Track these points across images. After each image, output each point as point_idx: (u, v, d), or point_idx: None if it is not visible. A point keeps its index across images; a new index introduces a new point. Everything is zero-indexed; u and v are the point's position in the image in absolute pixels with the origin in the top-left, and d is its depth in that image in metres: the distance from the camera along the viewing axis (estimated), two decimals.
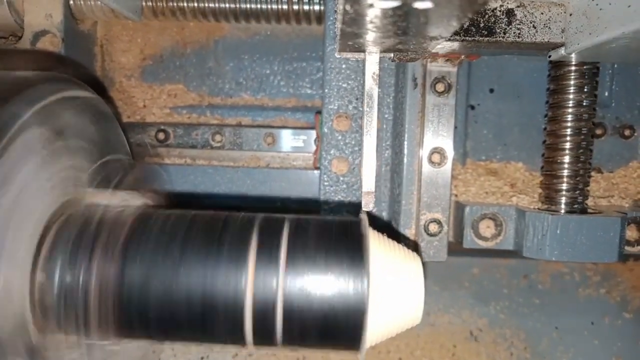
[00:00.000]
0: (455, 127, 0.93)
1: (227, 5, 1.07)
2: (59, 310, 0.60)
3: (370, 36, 0.64)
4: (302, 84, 1.18)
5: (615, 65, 1.03)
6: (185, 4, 1.07)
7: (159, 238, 0.62)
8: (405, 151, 0.92)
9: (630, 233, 0.93)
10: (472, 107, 1.03)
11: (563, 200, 0.87)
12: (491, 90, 1.03)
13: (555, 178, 0.87)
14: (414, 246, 0.93)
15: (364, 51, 0.79)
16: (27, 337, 0.59)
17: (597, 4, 0.69)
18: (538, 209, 0.92)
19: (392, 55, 0.83)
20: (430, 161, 0.91)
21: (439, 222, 0.92)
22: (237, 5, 1.07)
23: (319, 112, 1.01)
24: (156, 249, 0.61)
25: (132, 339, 0.63)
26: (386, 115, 0.96)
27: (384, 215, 0.98)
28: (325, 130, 0.95)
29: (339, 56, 0.92)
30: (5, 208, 0.56)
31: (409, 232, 0.94)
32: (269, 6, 1.07)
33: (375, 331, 0.60)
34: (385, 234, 0.66)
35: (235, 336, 0.60)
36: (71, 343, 0.62)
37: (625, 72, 1.03)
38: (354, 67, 0.94)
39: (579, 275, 1.18)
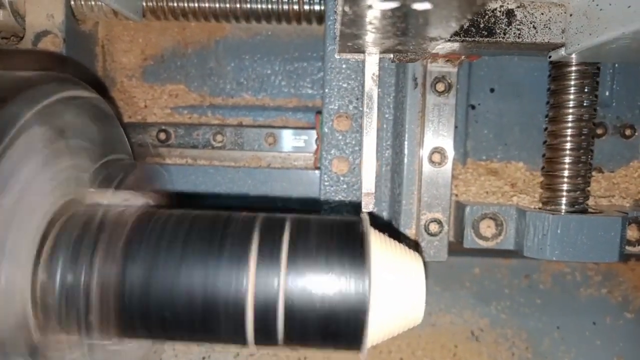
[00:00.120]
0: (456, 127, 0.93)
1: (228, 5, 1.07)
2: (61, 309, 0.60)
3: (370, 37, 0.64)
4: (303, 84, 1.18)
5: (616, 65, 1.03)
6: (186, 4, 1.07)
7: (160, 238, 0.62)
8: (406, 151, 0.92)
9: (631, 233, 0.93)
10: (473, 107, 1.03)
11: (564, 200, 0.87)
12: (492, 90, 1.03)
13: (556, 178, 0.87)
14: (414, 246, 0.93)
15: (363, 52, 0.79)
16: (28, 337, 0.59)
17: (597, 5, 0.69)
18: (539, 208, 0.92)
19: (392, 56, 0.83)
20: (431, 161, 0.91)
21: (439, 222, 0.92)
22: (238, 6, 1.07)
23: (319, 112, 1.01)
24: (157, 249, 0.61)
25: (133, 339, 0.64)
26: (386, 115, 0.96)
27: (385, 215, 0.98)
28: (326, 130, 0.95)
29: (338, 57, 0.92)
30: (7, 208, 0.56)
31: (410, 232, 0.94)
32: (270, 6, 1.07)
33: (376, 330, 0.60)
34: (386, 233, 0.66)
35: (236, 336, 0.61)
36: (72, 342, 0.62)
37: (626, 72, 1.03)
38: (355, 67, 0.94)
39: (580, 275, 1.18)
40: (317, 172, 1.08)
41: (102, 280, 0.59)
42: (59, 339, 0.62)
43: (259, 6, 1.07)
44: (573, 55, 0.78)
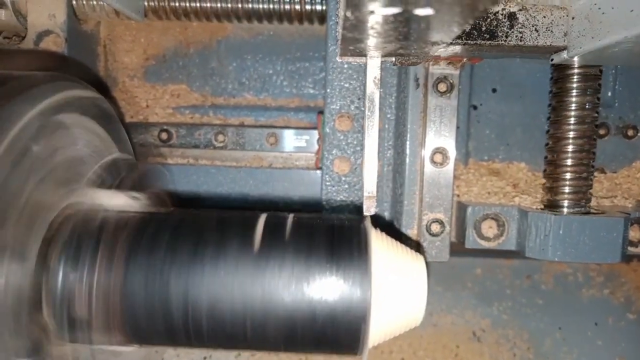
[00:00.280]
0: (458, 127, 0.93)
1: (230, 5, 1.07)
2: (62, 310, 0.60)
3: (372, 41, 0.64)
4: (304, 84, 1.18)
5: (619, 66, 1.03)
6: (188, 4, 1.07)
7: (162, 238, 0.62)
8: (408, 151, 0.92)
9: (634, 233, 0.93)
10: (475, 107, 1.03)
11: (566, 200, 0.87)
12: (494, 90, 1.03)
13: (558, 181, 0.87)
14: (416, 246, 0.92)
15: (365, 56, 0.79)
16: (30, 337, 0.59)
17: (599, 8, 0.69)
18: (540, 209, 0.91)
19: (393, 59, 0.83)
20: (433, 161, 0.91)
21: (441, 222, 0.91)
22: (240, 5, 1.07)
23: (321, 112, 1.01)
24: (159, 250, 0.61)
25: (136, 342, 0.63)
26: (388, 115, 0.96)
27: (386, 215, 0.98)
28: (327, 130, 0.95)
29: (340, 60, 0.92)
30: (8, 208, 0.56)
31: (411, 233, 0.94)
32: (272, 6, 1.07)
33: (377, 331, 0.60)
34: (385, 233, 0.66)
35: (236, 341, 0.60)
36: (74, 343, 0.62)
37: (629, 73, 1.03)
38: (356, 68, 0.94)
39: (582, 275, 1.17)
40: (318, 172, 1.08)
41: (104, 281, 0.59)
42: (60, 339, 0.62)
43: (261, 6, 1.07)
44: (575, 59, 0.78)
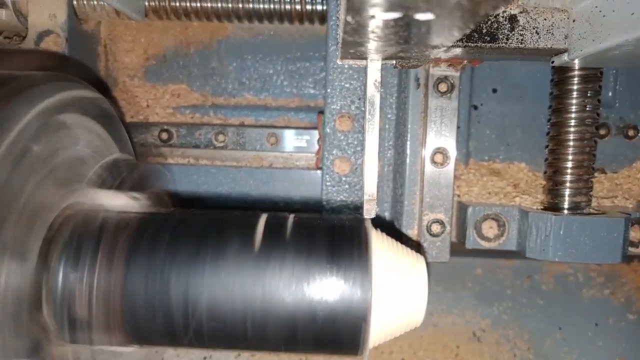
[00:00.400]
0: (458, 127, 0.93)
1: (231, 5, 1.07)
2: (62, 310, 0.60)
3: (372, 45, 0.64)
4: (305, 84, 1.18)
5: None
6: (188, 4, 1.07)
7: (163, 238, 0.62)
8: (408, 151, 0.92)
9: (634, 234, 0.92)
10: (475, 107, 1.03)
11: (566, 200, 0.87)
12: (494, 90, 1.03)
13: (559, 182, 0.87)
14: (416, 247, 0.92)
15: (366, 58, 0.79)
16: (30, 337, 0.59)
17: (600, 11, 0.69)
18: (541, 209, 0.91)
19: (394, 62, 0.83)
20: (433, 161, 0.91)
21: (441, 223, 0.91)
22: (241, 5, 1.07)
23: (321, 112, 1.01)
24: (160, 250, 0.61)
25: (136, 343, 0.63)
26: (389, 116, 0.96)
27: (387, 215, 0.98)
28: (328, 130, 0.95)
29: (340, 63, 0.92)
30: (9, 208, 0.56)
31: (412, 233, 0.93)
32: (272, 6, 1.07)
33: (378, 331, 0.60)
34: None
35: (237, 341, 0.60)
36: (74, 344, 0.62)
37: (629, 73, 1.02)
38: (357, 68, 0.94)
39: (582, 276, 1.17)
40: (319, 172, 1.08)
41: (105, 281, 0.59)
42: (60, 340, 0.62)
43: (261, 6, 1.07)
44: (576, 61, 0.77)
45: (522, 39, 0.76)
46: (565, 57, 0.77)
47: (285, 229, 0.63)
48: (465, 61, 0.87)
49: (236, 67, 1.18)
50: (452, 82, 0.90)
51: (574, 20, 0.75)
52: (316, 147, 1.12)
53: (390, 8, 0.45)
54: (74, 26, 1.03)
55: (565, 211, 0.87)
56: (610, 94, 1.03)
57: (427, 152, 0.91)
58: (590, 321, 1.17)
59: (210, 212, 0.67)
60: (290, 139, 1.14)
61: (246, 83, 1.18)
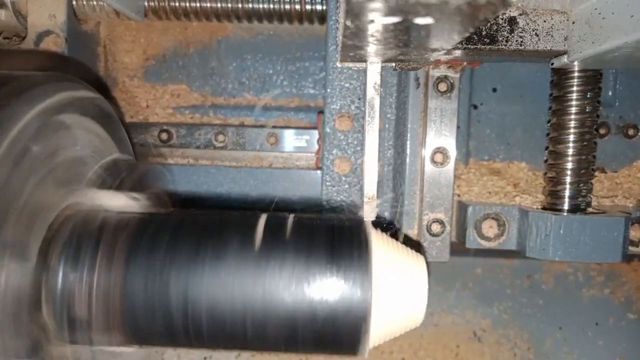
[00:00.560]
0: (458, 127, 0.93)
1: (230, 5, 1.07)
2: (62, 310, 0.60)
3: (372, 48, 0.64)
4: (304, 83, 1.18)
5: None
6: (188, 4, 1.07)
7: (162, 238, 0.62)
8: (408, 151, 0.92)
9: (634, 233, 0.92)
10: (475, 107, 1.03)
11: (566, 200, 0.87)
12: (494, 90, 1.03)
13: (558, 184, 0.87)
14: (416, 246, 0.92)
15: (365, 61, 0.79)
16: (30, 337, 0.59)
17: (599, 13, 0.69)
18: (541, 208, 0.91)
19: (393, 64, 0.83)
20: (433, 161, 0.91)
21: (441, 222, 0.91)
22: (240, 5, 1.07)
23: (321, 112, 1.01)
24: (160, 250, 0.61)
25: (136, 343, 0.63)
26: (389, 115, 0.96)
27: (387, 215, 0.98)
28: (328, 130, 0.95)
29: (340, 65, 0.92)
30: (9, 208, 0.56)
31: (412, 233, 0.93)
32: (272, 6, 1.07)
33: (378, 331, 0.60)
34: (388, 233, 0.66)
35: (235, 341, 0.60)
36: (74, 344, 0.62)
37: (629, 72, 1.02)
38: (356, 69, 0.94)
39: (582, 275, 1.17)
40: (318, 172, 1.08)
41: (104, 281, 0.59)
42: (60, 340, 0.62)
43: (261, 6, 1.07)
44: (575, 63, 0.77)
45: (521, 41, 0.76)
46: (564, 59, 0.77)
47: (285, 229, 0.63)
48: (464, 63, 0.87)
49: (236, 67, 1.18)
50: (451, 81, 0.90)
51: (573, 23, 0.75)
52: (316, 147, 1.12)
53: (389, 13, 0.45)
54: (74, 26, 1.03)
55: (566, 206, 0.87)
56: (610, 93, 1.03)
57: (427, 152, 0.91)
58: (591, 321, 1.17)
59: (210, 212, 0.67)
60: (290, 139, 1.14)
61: (246, 83, 1.18)
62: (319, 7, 1.06)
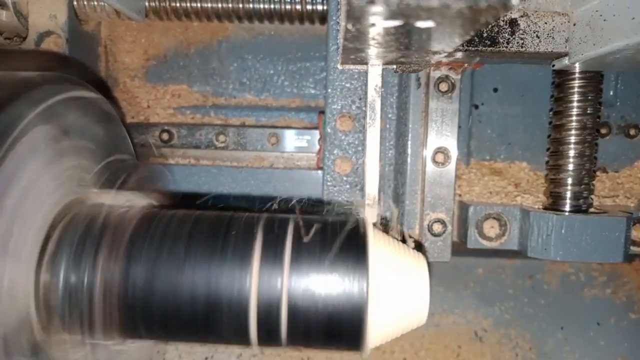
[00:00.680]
0: (459, 127, 0.93)
1: (231, 5, 1.07)
2: (64, 309, 0.60)
3: (373, 51, 0.64)
4: (305, 84, 1.18)
5: None
6: (189, 4, 1.07)
7: (163, 238, 0.62)
8: (409, 151, 0.92)
9: (636, 233, 0.92)
10: (476, 107, 1.03)
11: (568, 200, 0.87)
12: (495, 90, 1.03)
13: (560, 185, 0.87)
14: (418, 246, 0.92)
15: (366, 64, 0.79)
16: (31, 336, 0.59)
17: (600, 15, 0.69)
18: (543, 208, 0.91)
19: (394, 66, 0.83)
20: (434, 161, 0.91)
21: (442, 222, 0.91)
22: (241, 6, 1.07)
23: (322, 112, 1.01)
24: (160, 249, 0.61)
25: (136, 339, 0.63)
26: (390, 115, 0.96)
27: (387, 215, 0.98)
28: (329, 130, 0.95)
29: (341, 68, 0.92)
30: (10, 208, 0.56)
31: (413, 233, 0.93)
32: (273, 6, 1.07)
33: (379, 331, 0.60)
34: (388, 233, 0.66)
35: (239, 336, 0.60)
36: (75, 342, 0.62)
37: (631, 72, 1.02)
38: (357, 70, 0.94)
39: (584, 275, 1.17)
40: (319, 172, 1.08)
41: (105, 280, 0.59)
42: (61, 338, 0.62)
43: (262, 6, 1.07)
44: (576, 65, 0.77)
45: (522, 43, 0.76)
46: (566, 61, 0.77)
47: (287, 229, 0.63)
48: (465, 64, 0.87)
49: (237, 67, 1.18)
50: (452, 81, 0.89)
51: (574, 24, 0.75)
52: (317, 147, 1.12)
53: (390, 16, 0.45)
54: (75, 27, 1.03)
55: (567, 206, 0.87)
56: (611, 93, 1.03)
57: (428, 152, 0.91)
58: (592, 321, 1.17)
59: (211, 213, 0.67)
60: (291, 139, 1.14)
61: (247, 83, 1.18)
62: (319, 7, 1.06)
